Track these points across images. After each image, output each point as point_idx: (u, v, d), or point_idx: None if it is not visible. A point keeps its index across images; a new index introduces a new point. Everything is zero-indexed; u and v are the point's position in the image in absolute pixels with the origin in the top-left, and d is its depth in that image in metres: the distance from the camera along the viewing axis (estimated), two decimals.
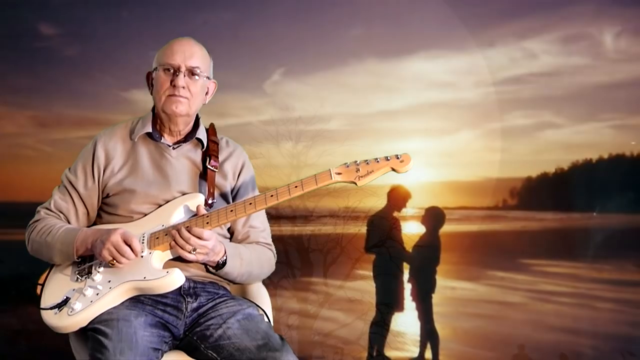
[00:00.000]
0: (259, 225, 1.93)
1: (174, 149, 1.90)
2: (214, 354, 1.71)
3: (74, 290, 1.74)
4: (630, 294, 7.82)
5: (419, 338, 4.28)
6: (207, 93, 1.94)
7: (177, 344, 1.79)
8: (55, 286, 1.78)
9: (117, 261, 1.68)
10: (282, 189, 1.71)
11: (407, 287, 4.26)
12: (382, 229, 4.27)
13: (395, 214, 4.29)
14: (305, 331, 5.35)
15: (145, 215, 1.82)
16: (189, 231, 1.68)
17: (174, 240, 1.69)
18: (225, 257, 1.78)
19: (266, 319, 1.84)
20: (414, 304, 4.26)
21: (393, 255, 4.24)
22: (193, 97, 1.84)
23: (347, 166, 1.71)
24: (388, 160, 1.71)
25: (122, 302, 1.72)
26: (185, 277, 1.72)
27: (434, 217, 4.29)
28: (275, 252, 1.95)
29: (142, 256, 1.72)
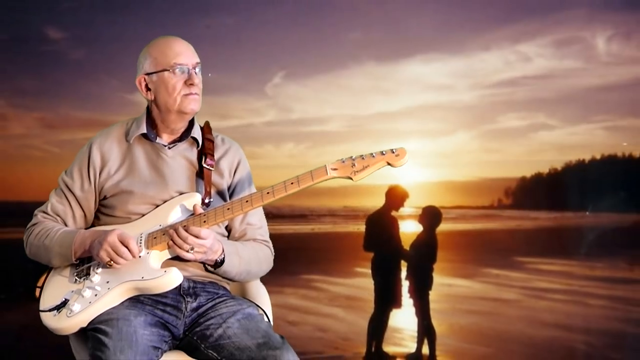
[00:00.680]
0: (257, 223, 1.90)
1: (169, 148, 1.86)
2: (214, 354, 1.66)
3: (72, 291, 1.70)
4: (622, 291, 7.83)
5: (416, 334, 4.28)
6: None
7: (177, 344, 1.75)
8: (54, 288, 1.75)
9: (114, 262, 1.65)
10: (279, 185, 1.67)
11: (405, 284, 4.25)
12: (380, 228, 4.26)
13: (393, 213, 4.28)
14: (305, 327, 5.35)
15: (143, 215, 1.78)
16: (186, 230, 1.64)
17: (172, 239, 1.66)
18: (223, 256, 1.75)
19: (266, 319, 1.80)
20: (411, 301, 4.25)
21: (391, 253, 4.23)
22: (201, 90, 1.83)
23: (343, 162, 1.67)
24: (383, 154, 1.67)
25: (122, 302, 1.68)
26: (185, 277, 1.70)
27: (431, 216, 4.28)
28: (272, 249, 1.93)
29: (140, 256, 1.68)
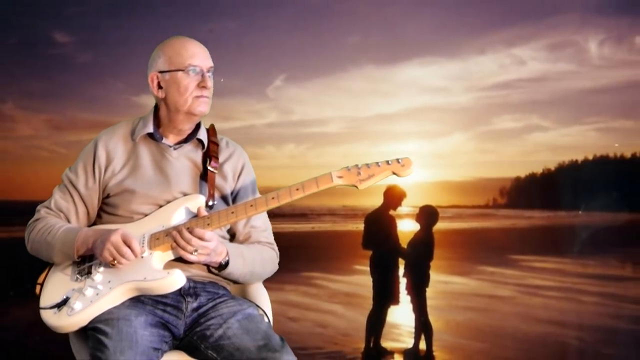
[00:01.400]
0: (261, 225, 1.88)
1: (174, 149, 1.82)
2: (214, 354, 1.62)
3: (73, 290, 1.65)
4: (613, 288, 7.85)
5: (413, 330, 4.27)
6: None
7: (177, 344, 1.70)
8: (55, 286, 1.69)
9: (117, 262, 1.61)
10: (284, 191, 1.63)
11: (403, 282, 4.24)
12: (378, 227, 4.26)
13: (391, 212, 4.27)
14: (305, 323, 5.34)
15: (146, 215, 1.74)
16: (190, 232, 1.61)
17: (175, 241, 1.62)
18: (227, 258, 1.73)
19: (266, 320, 1.75)
20: (408, 298, 4.25)
21: (389, 251, 4.23)
22: (211, 95, 1.79)
23: (349, 169, 1.64)
24: (389, 164, 1.64)
25: (123, 302, 1.64)
26: (186, 277, 1.65)
27: (427, 215, 4.28)
28: (277, 250, 1.90)
29: (142, 257, 1.64)
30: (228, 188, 1.82)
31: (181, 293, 1.69)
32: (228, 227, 1.80)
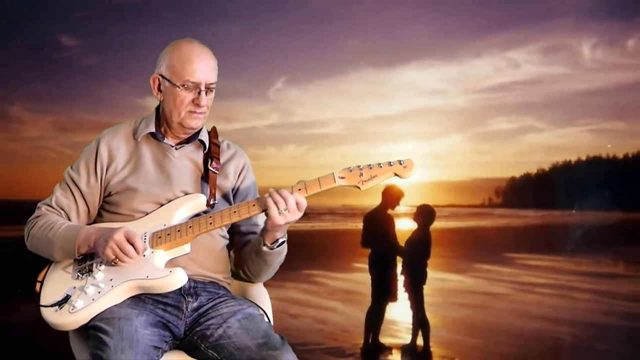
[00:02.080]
0: (262, 223, 1.88)
1: (176, 149, 1.81)
2: (214, 354, 1.60)
3: (75, 287, 1.61)
4: (606, 285, 7.84)
5: (411, 326, 4.27)
6: None
7: (178, 344, 1.68)
8: (56, 283, 1.66)
9: (120, 259, 1.59)
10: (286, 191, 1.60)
11: (400, 279, 4.24)
12: (377, 225, 4.26)
13: (389, 211, 4.27)
14: (306, 319, 5.34)
15: (147, 214, 1.71)
16: (290, 193, 1.58)
17: (271, 196, 1.58)
18: (285, 238, 1.68)
19: (266, 319, 1.73)
20: (406, 295, 4.24)
21: (387, 250, 4.22)
22: (209, 108, 1.76)
23: (351, 170, 1.61)
24: (391, 165, 1.61)
25: (123, 301, 1.61)
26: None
27: (425, 214, 4.28)
28: None
29: (144, 255, 1.61)
30: (229, 188, 1.81)
31: (182, 293, 1.66)
32: (229, 226, 1.79)
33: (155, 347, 1.54)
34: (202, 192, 1.74)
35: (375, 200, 4.22)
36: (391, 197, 4.12)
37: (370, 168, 1.61)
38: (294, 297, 6.36)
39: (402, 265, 4.16)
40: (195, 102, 1.69)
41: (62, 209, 1.75)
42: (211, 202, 1.72)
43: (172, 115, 1.73)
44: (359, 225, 4.36)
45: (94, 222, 1.78)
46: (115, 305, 1.58)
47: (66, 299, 1.60)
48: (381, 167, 1.61)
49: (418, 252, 4.12)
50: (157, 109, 1.80)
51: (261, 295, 1.87)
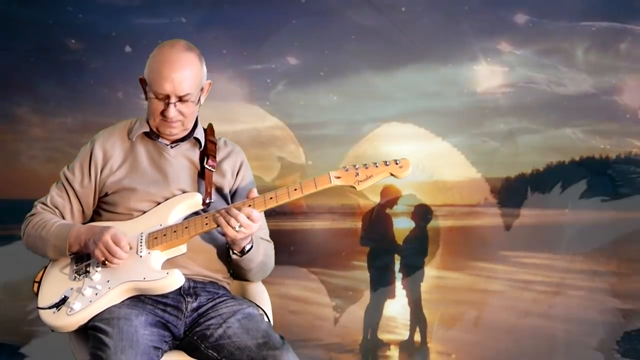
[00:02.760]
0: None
1: (171, 147, 1.79)
2: (214, 354, 1.60)
3: (72, 289, 1.61)
4: (600, 283, 7.82)
5: (409, 322, 4.28)
6: (202, 91, 1.77)
7: (177, 344, 1.68)
8: (53, 285, 1.66)
9: (109, 262, 1.57)
10: (282, 191, 1.61)
11: (398, 277, 4.25)
12: (375, 224, 4.26)
13: (388, 210, 4.28)
14: (306, 316, 5.33)
15: (144, 212, 1.71)
16: (238, 209, 1.56)
17: (221, 216, 1.56)
18: (252, 244, 1.69)
19: (266, 319, 1.73)
20: (404, 292, 4.25)
21: (385, 248, 4.23)
22: (187, 117, 1.71)
23: (347, 170, 1.61)
24: (387, 165, 1.62)
25: (123, 301, 1.61)
26: (186, 276, 1.62)
27: (422, 214, 4.29)
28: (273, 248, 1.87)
29: (141, 256, 1.60)
30: (227, 186, 1.79)
31: (181, 293, 1.65)
32: None
33: (155, 347, 1.54)
34: (199, 190, 1.72)
35: (373, 200, 4.22)
36: (389, 196, 4.13)
37: (366, 168, 1.61)
38: (294, 294, 6.35)
39: (400, 263, 4.16)
40: (164, 114, 1.66)
41: (57, 208, 1.75)
42: (207, 201, 1.70)
43: (150, 120, 1.71)
44: (358, 224, 4.37)
45: (93, 220, 1.77)
46: (115, 306, 1.58)
47: (63, 300, 1.59)
48: (377, 166, 1.61)
49: (415, 250, 4.12)
50: None
51: (261, 294, 1.86)
